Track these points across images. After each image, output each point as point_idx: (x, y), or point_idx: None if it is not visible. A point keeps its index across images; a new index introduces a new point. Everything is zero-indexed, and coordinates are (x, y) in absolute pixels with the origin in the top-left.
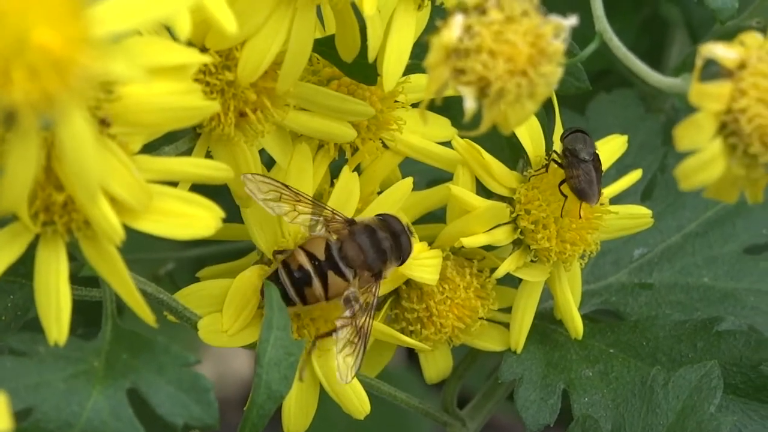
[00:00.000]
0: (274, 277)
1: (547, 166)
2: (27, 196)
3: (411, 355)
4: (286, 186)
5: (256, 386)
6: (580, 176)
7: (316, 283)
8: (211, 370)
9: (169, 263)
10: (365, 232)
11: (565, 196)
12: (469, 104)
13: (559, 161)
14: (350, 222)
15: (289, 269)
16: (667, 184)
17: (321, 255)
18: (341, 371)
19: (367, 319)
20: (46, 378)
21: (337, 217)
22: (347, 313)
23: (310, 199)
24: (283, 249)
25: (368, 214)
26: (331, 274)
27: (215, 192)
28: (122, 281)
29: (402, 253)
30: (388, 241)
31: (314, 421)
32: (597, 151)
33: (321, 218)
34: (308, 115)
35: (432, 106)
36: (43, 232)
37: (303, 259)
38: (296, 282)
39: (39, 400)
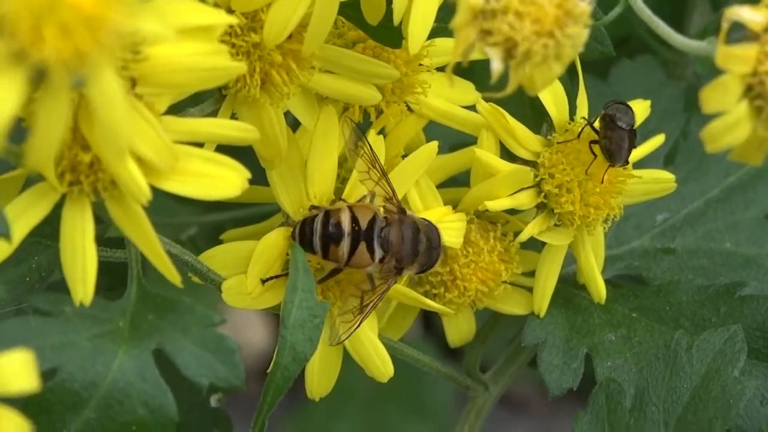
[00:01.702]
0: (308, 222)
1: (580, 132)
2: (54, 155)
3: (427, 324)
4: (371, 148)
5: (280, 348)
6: (613, 138)
7: (344, 246)
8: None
9: (191, 228)
10: (411, 227)
11: (595, 155)
12: (496, 66)
13: (596, 126)
14: (402, 210)
15: (327, 221)
16: (690, 150)
17: (363, 224)
18: (331, 333)
19: (375, 301)
20: (71, 338)
21: (393, 200)
22: (367, 287)
23: (383, 171)
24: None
25: (393, 178)
26: (362, 246)
27: (238, 154)
28: (148, 241)
29: (427, 264)
30: (424, 245)
31: (334, 386)
32: (635, 127)
33: (383, 194)
34: (333, 77)
35: (456, 70)
36: (69, 192)
37: (345, 218)
38: (327, 235)
39: (64, 360)
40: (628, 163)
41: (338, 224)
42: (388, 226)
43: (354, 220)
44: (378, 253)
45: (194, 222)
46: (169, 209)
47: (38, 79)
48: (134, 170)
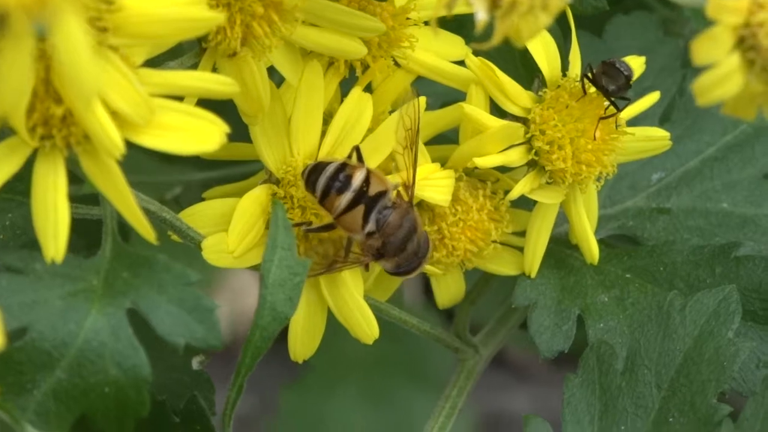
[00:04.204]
0: (322, 164)
1: (584, 77)
2: (23, 107)
3: (428, 290)
4: (417, 136)
5: (259, 308)
6: (611, 73)
7: (344, 200)
8: (225, 307)
9: (176, 187)
10: (412, 223)
11: (585, 93)
12: (481, 16)
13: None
14: (411, 204)
15: (341, 169)
16: (686, 108)
17: (372, 191)
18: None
19: (341, 267)
20: (42, 296)
21: (410, 191)
22: (341, 252)
23: (415, 156)
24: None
25: (380, 134)
26: (359, 209)
27: (222, 111)
28: (122, 197)
29: (404, 267)
30: (413, 247)
31: (333, 355)
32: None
33: (404, 177)
34: (317, 30)
35: (446, 25)
36: (42, 147)
37: (358, 176)
38: (333, 180)
39: (34, 319)
40: (627, 98)
41: (349, 177)
42: (393, 209)
43: (366, 182)
44: (370, 225)
45: (179, 181)
46: (154, 168)
47: (0, 24)
48: (107, 123)
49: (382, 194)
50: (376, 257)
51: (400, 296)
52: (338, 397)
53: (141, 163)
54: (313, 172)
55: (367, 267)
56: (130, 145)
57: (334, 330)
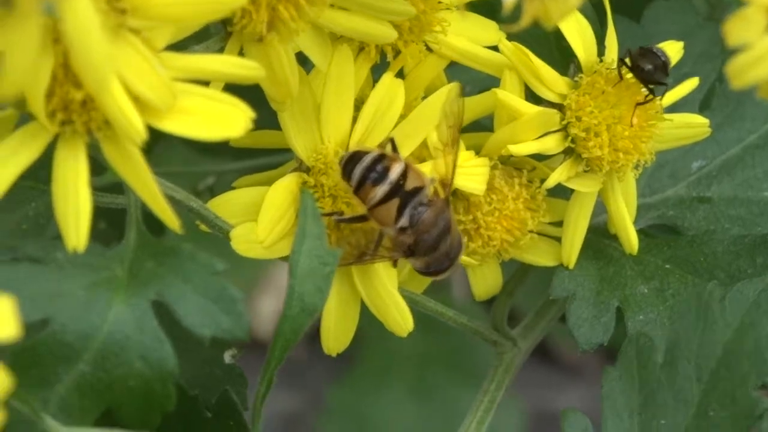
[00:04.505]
0: (360, 153)
1: (621, 62)
2: (41, 90)
3: None
4: (458, 134)
5: (288, 299)
6: (649, 58)
7: (379, 192)
8: (273, 305)
9: (209, 177)
10: (446, 222)
11: (621, 78)
12: None
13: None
14: (447, 203)
15: (379, 160)
16: (726, 95)
17: (408, 186)
18: None
19: (368, 257)
20: (64, 286)
21: (447, 189)
22: (371, 245)
23: (456, 154)
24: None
25: (412, 121)
26: (394, 202)
27: (255, 102)
28: (145, 184)
29: (433, 267)
30: (445, 247)
31: (379, 351)
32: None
33: (442, 174)
34: (346, 14)
35: (476, 9)
36: (62, 132)
37: (396, 168)
38: (369, 171)
39: (56, 310)
40: (664, 83)
41: (387, 169)
42: (428, 206)
43: (403, 176)
44: (404, 220)
45: (213, 171)
46: (187, 158)
47: (6, 3)
48: (127, 108)
49: (419, 190)
50: (406, 254)
51: (448, 290)
52: (385, 393)
53: (174, 153)
54: (350, 161)
55: (395, 263)
56: (163, 136)
57: (379, 326)
